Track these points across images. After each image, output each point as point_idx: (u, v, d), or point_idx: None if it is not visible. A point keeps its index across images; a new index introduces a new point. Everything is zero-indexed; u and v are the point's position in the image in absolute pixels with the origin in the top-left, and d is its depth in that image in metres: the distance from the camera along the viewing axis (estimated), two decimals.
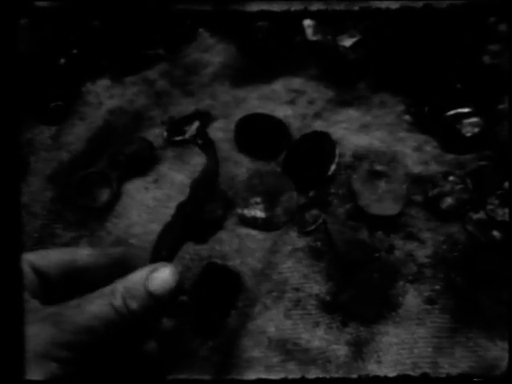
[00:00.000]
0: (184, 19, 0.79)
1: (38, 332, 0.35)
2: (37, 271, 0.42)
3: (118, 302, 0.38)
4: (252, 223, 0.59)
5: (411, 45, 0.71)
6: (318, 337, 0.50)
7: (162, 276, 0.39)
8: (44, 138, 0.70)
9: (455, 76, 0.66)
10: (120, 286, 0.39)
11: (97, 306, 0.37)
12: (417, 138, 0.63)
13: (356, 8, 0.73)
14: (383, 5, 0.71)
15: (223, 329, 0.52)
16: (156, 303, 0.39)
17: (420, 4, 0.69)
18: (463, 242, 0.53)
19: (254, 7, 0.76)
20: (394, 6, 0.70)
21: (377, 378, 0.46)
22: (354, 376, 0.46)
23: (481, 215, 0.54)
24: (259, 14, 0.76)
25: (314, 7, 0.74)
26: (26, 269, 0.41)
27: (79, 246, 0.59)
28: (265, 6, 0.75)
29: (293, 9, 0.75)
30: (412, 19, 0.71)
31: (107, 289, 0.39)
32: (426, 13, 0.69)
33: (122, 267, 0.44)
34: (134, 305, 0.38)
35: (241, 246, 0.58)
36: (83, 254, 0.45)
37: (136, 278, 0.39)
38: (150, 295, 0.38)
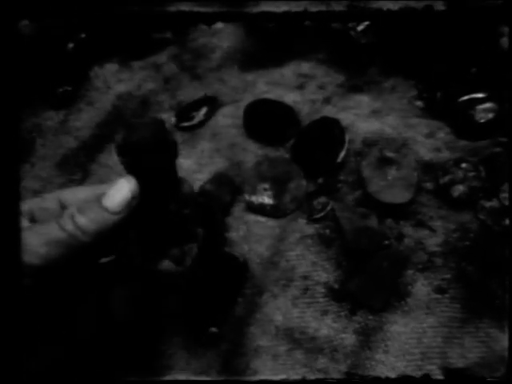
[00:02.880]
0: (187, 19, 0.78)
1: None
2: (65, 208, 0.40)
3: (64, 219, 0.36)
4: (260, 210, 0.59)
5: (424, 28, 0.70)
6: (326, 325, 0.49)
7: (118, 187, 0.37)
8: (52, 122, 0.70)
9: (470, 60, 0.64)
10: (73, 206, 0.37)
11: (45, 227, 0.36)
12: (429, 124, 0.62)
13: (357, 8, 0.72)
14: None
15: (230, 317, 0.52)
16: (114, 218, 0.37)
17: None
18: (475, 230, 0.52)
19: (263, 7, 0.75)
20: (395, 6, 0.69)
21: (378, 379, 0.45)
22: (354, 378, 0.46)
23: (493, 203, 0.53)
24: (262, 15, 0.75)
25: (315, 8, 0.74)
26: (55, 206, 0.40)
27: None
28: (269, 7, 0.74)
29: (293, 10, 0.74)
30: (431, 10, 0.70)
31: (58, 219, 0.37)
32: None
33: None
34: (81, 220, 0.36)
35: (248, 232, 0.57)
36: (72, 194, 0.42)
37: (92, 195, 0.38)
38: (105, 210, 0.36)
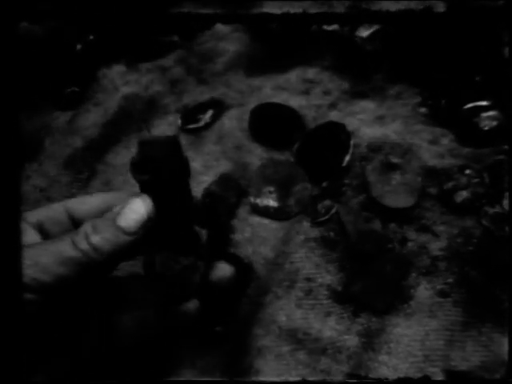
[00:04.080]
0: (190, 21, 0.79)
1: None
2: (73, 219, 0.40)
3: (79, 237, 0.35)
4: (264, 212, 0.59)
5: (429, 36, 0.70)
6: (329, 327, 0.49)
7: (134, 208, 0.36)
8: (59, 122, 0.70)
9: (474, 68, 0.65)
10: (88, 223, 0.36)
11: (58, 244, 0.35)
12: (433, 131, 0.63)
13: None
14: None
15: (234, 317, 0.52)
16: (129, 239, 0.36)
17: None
18: (478, 236, 0.53)
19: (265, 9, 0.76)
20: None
21: (379, 380, 0.45)
22: (354, 380, 0.46)
23: (497, 210, 0.54)
24: (264, 16, 0.76)
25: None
26: (63, 217, 0.40)
27: None
28: (272, 8, 0.75)
29: (292, 11, 0.74)
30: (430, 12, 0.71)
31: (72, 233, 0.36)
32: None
33: None
34: (96, 239, 0.35)
35: (253, 234, 0.58)
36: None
37: (108, 214, 0.36)
38: (119, 229, 0.36)
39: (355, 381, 0.46)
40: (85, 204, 0.41)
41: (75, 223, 0.40)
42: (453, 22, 0.69)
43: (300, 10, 0.74)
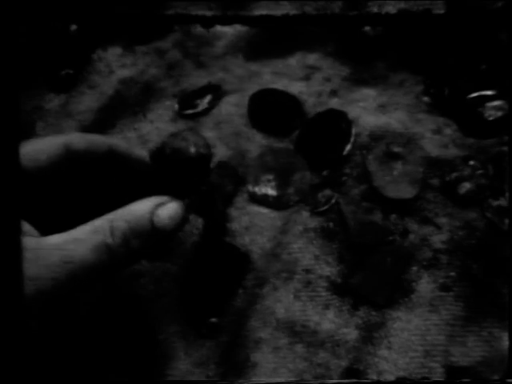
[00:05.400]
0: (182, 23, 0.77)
1: None
2: (23, 170, 0.38)
3: (116, 240, 0.34)
4: (263, 201, 0.58)
5: (432, 23, 0.69)
6: (328, 319, 0.48)
7: (171, 212, 0.36)
8: (53, 105, 0.68)
9: (479, 56, 0.64)
10: (121, 221, 0.35)
11: (87, 249, 0.34)
12: (436, 121, 0.61)
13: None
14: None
15: (230, 308, 0.51)
16: (158, 240, 0.36)
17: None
18: (481, 228, 0.51)
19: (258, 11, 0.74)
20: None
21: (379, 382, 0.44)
22: (354, 380, 0.45)
23: (501, 202, 0.53)
24: (259, 18, 0.74)
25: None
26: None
27: None
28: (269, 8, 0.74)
29: (291, 13, 0.73)
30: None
31: (101, 224, 0.35)
32: None
33: (115, 159, 0.42)
34: (136, 243, 0.35)
35: (250, 223, 0.56)
36: (77, 136, 0.41)
37: (140, 212, 0.35)
38: (155, 231, 0.35)
39: (349, 381, 0.45)
40: (36, 146, 0.40)
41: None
42: (454, 21, 0.68)
43: (298, 12, 0.73)
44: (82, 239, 0.34)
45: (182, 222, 0.37)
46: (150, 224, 0.35)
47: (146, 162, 0.44)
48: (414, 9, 0.70)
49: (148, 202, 0.36)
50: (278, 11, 0.73)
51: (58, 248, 0.34)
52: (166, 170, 0.41)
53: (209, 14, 0.74)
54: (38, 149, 0.40)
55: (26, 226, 0.36)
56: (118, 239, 0.34)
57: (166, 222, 0.36)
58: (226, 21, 0.76)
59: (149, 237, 0.36)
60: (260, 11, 0.74)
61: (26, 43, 0.71)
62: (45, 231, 0.36)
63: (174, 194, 0.39)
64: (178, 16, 0.73)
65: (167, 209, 0.36)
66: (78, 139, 0.41)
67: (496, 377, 0.43)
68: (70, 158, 0.41)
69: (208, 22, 0.75)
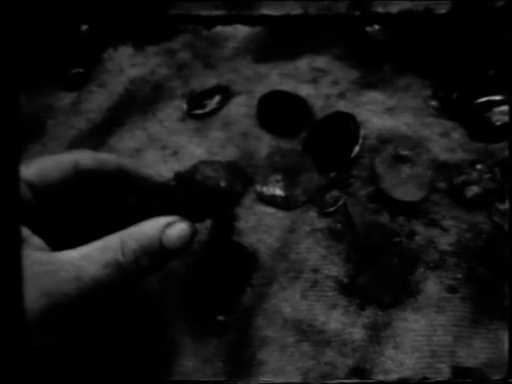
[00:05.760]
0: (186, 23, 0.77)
1: (28, 302, 0.33)
2: (33, 188, 0.39)
3: (127, 258, 0.35)
4: (271, 201, 0.58)
5: (440, 27, 0.69)
6: (335, 319, 0.49)
7: (180, 232, 0.37)
8: (63, 103, 0.69)
9: (488, 61, 0.64)
10: (131, 240, 0.36)
11: (99, 266, 0.35)
12: (443, 125, 0.62)
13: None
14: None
15: (237, 306, 0.51)
16: (167, 259, 0.37)
17: None
18: (488, 232, 0.52)
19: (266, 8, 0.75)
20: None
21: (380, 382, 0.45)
22: (355, 380, 0.45)
23: (508, 206, 0.53)
24: (263, 18, 0.75)
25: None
26: (22, 190, 0.38)
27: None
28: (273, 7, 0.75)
29: (292, 13, 0.73)
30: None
31: (112, 242, 0.36)
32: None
33: (123, 178, 0.43)
34: (146, 262, 0.36)
35: (258, 223, 0.57)
36: (86, 154, 0.42)
37: (150, 231, 0.36)
38: (164, 250, 0.36)
39: (350, 381, 0.45)
40: (41, 166, 0.41)
41: (33, 188, 0.39)
42: (461, 24, 0.68)
43: (300, 11, 0.74)
44: (94, 256, 0.35)
45: (190, 241, 0.38)
46: (159, 243, 0.36)
47: (153, 181, 0.45)
48: (419, 8, 0.70)
49: (158, 222, 0.37)
50: (283, 11, 0.74)
51: (70, 264, 0.34)
52: (190, 194, 0.42)
53: (210, 13, 0.74)
54: (47, 167, 0.41)
55: (38, 241, 0.36)
56: (128, 257, 0.35)
57: (174, 241, 0.37)
58: (229, 21, 0.76)
59: (158, 255, 0.37)
60: (265, 11, 0.75)
61: (37, 42, 0.72)
62: (55, 247, 0.37)
63: (189, 216, 0.40)
64: (180, 16, 0.74)
65: (176, 229, 0.37)
66: (87, 158, 0.42)
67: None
68: (78, 176, 0.42)
69: (210, 23, 0.76)
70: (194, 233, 0.39)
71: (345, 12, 0.74)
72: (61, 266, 0.34)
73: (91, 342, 0.47)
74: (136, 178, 0.44)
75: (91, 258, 0.35)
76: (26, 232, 0.36)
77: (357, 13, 0.74)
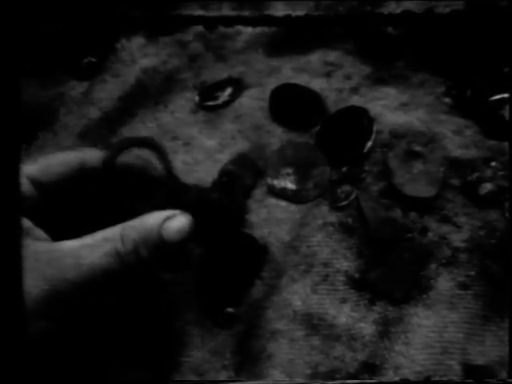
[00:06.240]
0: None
1: (30, 287, 0.33)
2: (37, 184, 0.40)
3: (126, 248, 0.36)
4: (282, 194, 0.58)
5: (455, 25, 0.69)
6: (345, 313, 0.48)
7: (179, 225, 0.37)
8: (75, 93, 0.69)
9: (503, 59, 0.63)
10: (131, 231, 0.36)
11: (99, 254, 0.35)
12: (457, 122, 0.61)
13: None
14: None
15: (247, 299, 0.51)
16: (166, 251, 0.38)
17: None
18: (501, 229, 0.51)
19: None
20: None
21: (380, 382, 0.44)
22: (356, 380, 0.45)
23: None
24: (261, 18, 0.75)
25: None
26: (25, 185, 0.39)
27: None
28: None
29: (294, 14, 0.73)
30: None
31: (113, 232, 0.36)
32: None
33: (130, 176, 0.43)
34: (145, 253, 0.36)
35: (269, 216, 0.56)
36: (93, 154, 0.42)
37: (150, 223, 0.37)
38: (164, 244, 0.37)
39: (351, 381, 0.45)
40: (46, 164, 0.41)
41: (37, 185, 0.40)
42: (476, 22, 0.68)
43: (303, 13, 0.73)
44: (94, 245, 0.36)
45: (189, 235, 0.38)
46: (158, 235, 0.37)
47: (162, 176, 0.44)
48: (431, 7, 0.70)
49: (158, 215, 0.38)
50: (293, 10, 0.74)
51: (71, 252, 0.35)
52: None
53: (219, 14, 0.74)
54: (52, 164, 0.41)
55: (39, 233, 0.37)
56: (128, 246, 0.36)
57: (173, 234, 0.37)
58: (238, 22, 0.76)
59: (157, 247, 0.37)
60: (274, 12, 0.75)
61: (50, 30, 0.71)
62: (58, 240, 0.37)
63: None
64: (188, 17, 0.74)
65: (176, 222, 0.37)
66: (94, 157, 0.42)
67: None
68: (84, 174, 0.42)
69: (219, 23, 0.76)
70: (192, 226, 0.39)
71: (356, 11, 0.74)
72: (61, 254, 0.35)
73: (96, 332, 0.47)
74: (145, 173, 0.44)
75: (91, 247, 0.36)
76: (27, 224, 0.37)
77: (368, 12, 0.74)
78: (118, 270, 0.36)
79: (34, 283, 0.34)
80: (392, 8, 0.74)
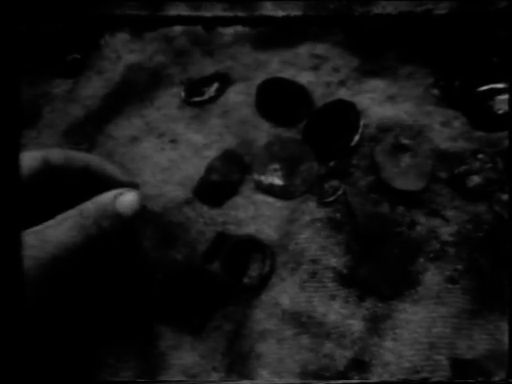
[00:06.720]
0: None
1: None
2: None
3: (88, 221, 0.39)
4: (269, 190, 0.57)
5: (444, 14, 0.68)
6: (334, 310, 0.48)
7: (129, 199, 0.41)
8: (59, 90, 0.68)
9: (492, 49, 0.63)
10: (89, 206, 0.40)
11: (64, 229, 0.38)
12: (445, 113, 0.61)
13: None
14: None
15: (236, 298, 0.51)
16: (123, 224, 0.41)
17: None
18: (489, 222, 0.51)
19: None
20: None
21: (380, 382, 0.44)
22: (356, 380, 0.45)
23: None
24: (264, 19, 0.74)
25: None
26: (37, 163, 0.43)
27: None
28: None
29: (292, 14, 0.72)
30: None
31: (73, 211, 0.40)
32: None
33: (90, 176, 0.46)
34: (105, 223, 0.40)
35: (257, 213, 0.56)
36: (56, 152, 0.45)
37: (104, 199, 0.41)
38: (119, 216, 0.41)
39: (351, 381, 0.45)
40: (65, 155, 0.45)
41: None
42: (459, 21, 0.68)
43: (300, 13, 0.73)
44: (57, 224, 0.38)
45: (139, 209, 0.42)
46: (114, 208, 0.41)
47: (119, 179, 0.48)
48: (417, 10, 0.70)
49: (110, 193, 0.42)
50: (283, 11, 0.73)
51: (35, 232, 0.37)
52: None
53: (211, 14, 0.73)
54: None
55: None
56: (88, 219, 0.39)
57: (126, 206, 0.41)
58: (227, 22, 0.75)
59: (114, 219, 0.40)
60: (264, 11, 0.74)
61: (33, 28, 0.70)
62: None
63: None
64: (179, 17, 0.73)
65: (126, 197, 0.41)
66: (57, 155, 0.45)
67: (500, 371, 0.43)
68: (48, 171, 0.45)
69: (210, 24, 0.75)
70: (140, 201, 0.42)
71: (343, 11, 0.73)
72: (28, 236, 0.37)
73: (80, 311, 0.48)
74: (102, 176, 0.47)
75: (54, 226, 0.38)
76: None
77: (356, 12, 0.73)
78: (83, 243, 0.38)
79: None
80: (381, 9, 0.73)
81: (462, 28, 0.67)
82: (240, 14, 0.75)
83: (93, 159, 0.47)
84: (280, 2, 0.74)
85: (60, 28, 0.71)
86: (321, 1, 0.74)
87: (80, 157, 0.47)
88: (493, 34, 0.64)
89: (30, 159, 0.44)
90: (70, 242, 0.38)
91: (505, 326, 0.46)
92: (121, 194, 0.41)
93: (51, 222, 0.38)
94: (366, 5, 0.72)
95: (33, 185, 0.43)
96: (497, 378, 0.43)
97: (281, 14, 0.73)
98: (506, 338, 0.45)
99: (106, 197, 0.41)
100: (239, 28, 0.75)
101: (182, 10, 0.74)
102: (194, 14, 0.73)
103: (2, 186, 0.33)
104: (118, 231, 0.41)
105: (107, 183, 0.46)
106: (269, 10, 0.74)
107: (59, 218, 0.39)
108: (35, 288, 0.36)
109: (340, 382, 0.45)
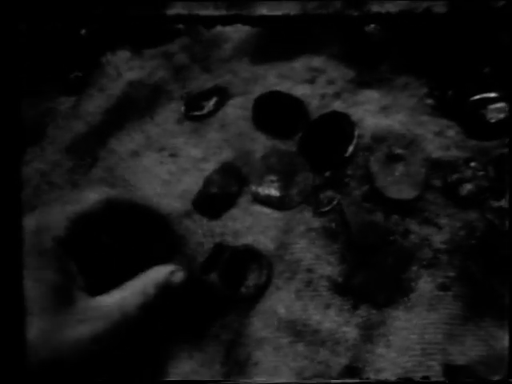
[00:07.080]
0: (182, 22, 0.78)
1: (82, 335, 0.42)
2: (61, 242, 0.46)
3: (150, 298, 0.45)
4: (266, 201, 0.59)
5: (436, 26, 0.69)
6: (329, 319, 0.49)
7: (179, 277, 0.47)
8: (63, 107, 0.70)
9: (483, 59, 0.64)
10: (150, 283, 0.46)
11: (133, 306, 0.44)
12: (439, 123, 0.62)
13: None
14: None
15: (233, 307, 0.52)
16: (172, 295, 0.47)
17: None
18: (482, 229, 0.52)
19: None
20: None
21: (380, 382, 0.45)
22: (356, 380, 0.46)
23: (501, 203, 0.53)
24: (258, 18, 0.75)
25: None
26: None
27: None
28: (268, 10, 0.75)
29: (292, 13, 0.74)
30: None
31: (138, 287, 0.46)
32: None
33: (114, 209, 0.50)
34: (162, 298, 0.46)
35: (253, 223, 0.57)
36: (89, 200, 0.48)
37: (161, 276, 0.47)
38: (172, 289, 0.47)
39: (351, 381, 0.46)
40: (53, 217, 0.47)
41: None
42: (457, 22, 0.68)
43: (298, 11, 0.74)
44: (129, 297, 0.45)
45: (185, 283, 0.47)
46: (167, 285, 0.47)
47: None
48: (416, 9, 0.70)
49: (166, 269, 0.48)
50: (281, 11, 0.74)
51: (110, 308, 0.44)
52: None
53: (210, 13, 0.75)
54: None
55: (80, 280, 0.45)
56: (150, 297, 0.45)
57: (176, 284, 0.47)
58: (228, 21, 0.76)
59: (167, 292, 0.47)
60: (263, 11, 0.75)
61: (37, 46, 0.72)
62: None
63: None
64: (179, 16, 0.74)
65: (177, 275, 0.47)
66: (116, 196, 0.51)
67: (493, 376, 0.44)
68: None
69: (209, 23, 0.76)
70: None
71: (342, 11, 0.74)
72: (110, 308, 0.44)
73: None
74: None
75: (128, 299, 0.45)
76: (74, 268, 0.45)
77: (354, 12, 0.74)
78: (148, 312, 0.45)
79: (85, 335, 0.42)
80: (375, 10, 0.74)
81: (455, 38, 0.67)
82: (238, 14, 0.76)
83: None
84: (280, 2, 0.75)
85: (60, 28, 0.73)
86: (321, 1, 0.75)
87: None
88: (485, 43, 0.65)
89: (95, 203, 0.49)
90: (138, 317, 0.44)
91: (496, 331, 0.46)
92: (173, 271, 0.47)
93: (115, 295, 0.45)
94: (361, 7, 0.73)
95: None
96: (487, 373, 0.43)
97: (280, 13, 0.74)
98: (497, 344, 0.46)
99: (162, 273, 0.47)
100: (237, 41, 0.76)
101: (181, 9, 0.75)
102: (193, 13, 0.74)
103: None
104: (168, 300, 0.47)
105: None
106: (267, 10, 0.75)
107: (128, 290, 0.45)
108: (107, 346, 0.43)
109: (340, 381, 0.45)
